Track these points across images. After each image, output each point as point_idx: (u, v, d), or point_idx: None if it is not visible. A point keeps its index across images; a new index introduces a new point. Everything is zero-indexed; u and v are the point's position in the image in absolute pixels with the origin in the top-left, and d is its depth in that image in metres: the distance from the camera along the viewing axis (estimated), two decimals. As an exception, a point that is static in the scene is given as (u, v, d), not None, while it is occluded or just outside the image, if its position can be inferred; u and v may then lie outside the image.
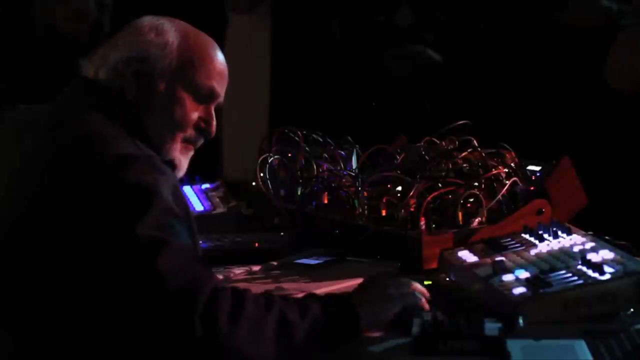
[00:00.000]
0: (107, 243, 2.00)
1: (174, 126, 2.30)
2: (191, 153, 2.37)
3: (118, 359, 2.05)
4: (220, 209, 3.23)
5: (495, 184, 2.73)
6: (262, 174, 3.08)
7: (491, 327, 2.02)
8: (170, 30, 2.30)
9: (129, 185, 2.03)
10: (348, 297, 2.14)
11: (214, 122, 2.37)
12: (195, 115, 2.32)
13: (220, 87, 2.35)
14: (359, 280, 2.41)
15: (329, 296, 2.14)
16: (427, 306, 2.16)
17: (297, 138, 3.15)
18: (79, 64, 2.31)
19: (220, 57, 2.36)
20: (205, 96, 2.33)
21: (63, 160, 2.09)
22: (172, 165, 2.30)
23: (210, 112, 2.36)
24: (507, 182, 2.71)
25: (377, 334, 2.10)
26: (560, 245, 2.41)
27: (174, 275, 1.95)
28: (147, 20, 2.32)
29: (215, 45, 2.36)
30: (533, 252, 2.40)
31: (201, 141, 2.38)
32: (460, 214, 2.64)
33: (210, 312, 1.93)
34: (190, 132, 2.33)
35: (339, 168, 3.07)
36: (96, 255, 2.01)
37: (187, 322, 1.92)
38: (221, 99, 2.38)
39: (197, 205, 3.23)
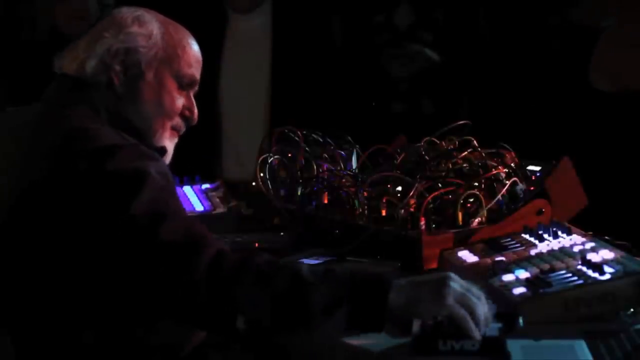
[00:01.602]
0: (107, 228, 2.03)
1: (163, 114, 2.35)
2: (176, 140, 2.42)
3: (121, 327, 2.10)
4: (220, 209, 3.22)
5: (495, 184, 2.73)
6: (262, 174, 3.08)
7: (491, 327, 2.02)
8: (152, 21, 2.34)
9: (118, 171, 2.06)
10: (386, 278, 2.00)
11: (196, 110, 2.43)
12: (181, 103, 2.39)
13: (198, 74, 2.43)
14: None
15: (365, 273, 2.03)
16: (476, 335, 1.96)
17: (297, 138, 3.15)
18: (55, 59, 2.34)
19: (196, 45, 2.42)
20: (187, 84, 2.39)
21: (51, 158, 2.11)
22: (162, 152, 2.34)
23: (192, 100, 2.43)
24: (507, 182, 2.71)
25: (376, 335, 2.10)
26: (560, 245, 2.41)
27: (177, 243, 1.98)
28: (126, 11, 2.35)
29: (190, 34, 2.42)
30: (533, 252, 2.40)
31: (184, 128, 2.43)
32: (460, 214, 2.64)
33: (216, 271, 1.95)
34: (177, 120, 2.39)
35: (339, 168, 3.07)
36: (99, 242, 2.04)
37: (194, 284, 1.95)
38: (197, 86, 2.44)
39: (197, 205, 3.23)
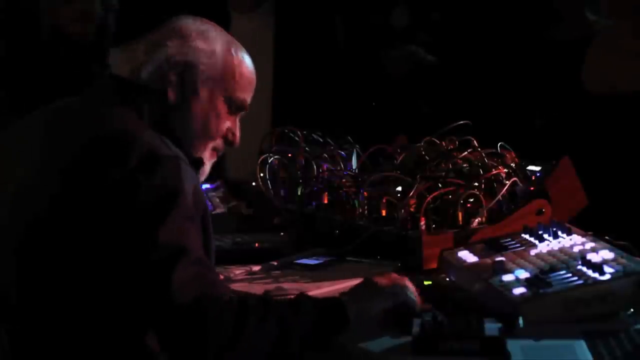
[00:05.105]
0: (128, 244, 2.02)
1: (207, 135, 2.31)
2: (215, 160, 2.38)
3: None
4: (220, 209, 3.23)
5: (495, 184, 2.73)
6: (262, 174, 3.08)
7: (491, 327, 2.02)
8: (216, 39, 2.31)
9: (153, 186, 2.04)
10: (340, 295, 2.19)
11: (239, 134, 2.39)
12: (226, 126, 2.34)
13: (250, 99, 2.38)
14: (359, 281, 2.42)
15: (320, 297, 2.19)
16: (418, 305, 2.18)
17: (297, 138, 3.16)
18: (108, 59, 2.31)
19: (252, 67, 2.37)
20: (237, 108, 2.35)
21: (87, 157, 2.08)
22: (199, 163, 2.30)
23: (237, 123, 2.38)
24: (507, 182, 2.71)
25: (377, 335, 2.10)
26: (560, 245, 2.41)
27: (186, 290, 1.98)
28: (191, 23, 2.31)
29: (249, 57, 2.37)
30: (533, 252, 2.40)
31: (223, 150, 2.40)
32: (460, 214, 2.64)
33: (219, 328, 1.98)
34: (219, 142, 2.35)
35: (339, 168, 3.07)
36: (116, 255, 2.02)
37: (197, 337, 1.97)
38: (246, 110, 2.40)
39: (197, 205, 3.23)
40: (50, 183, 2.10)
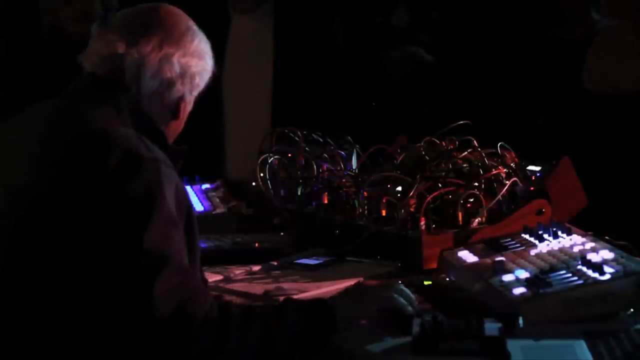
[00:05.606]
0: (111, 251, 2.01)
1: (175, 132, 2.34)
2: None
3: None
4: (220, 209, 3.22)
5: (495, 184, 2.73)
6: (262, 174, 3.08)
7: (491, 327, 2.02)
8: (207, 48, 2.32)
9: (133, 191, 2.03)
10: (325, 298, 2.19)
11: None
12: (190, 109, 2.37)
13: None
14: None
15: (307, 299, 2.21)
16: (408, 310, 2.17)
17: (297, 138, 3.16)
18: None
19: (209, 50, 2.38)
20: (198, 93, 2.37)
21: (68, 159, 2.08)
22: (185, 154, 2.30)
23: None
24: (507, 182, 2.71)
25: (377, 336, 2.10)
26: (560, 245, 2.41)
27: (168, 299, 1.98)
28: (186, 25, 2.30)
29: (208, 44, 2.38)
30: (533, 252, 2.40)
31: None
32: (460, 214, 2.64)
33: (201, 336, 1.98)
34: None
35: (339, 168, 3.07)
36: (99, 260, 2.01)
37: (180, 346, 1.97)
38: None
39: (197, 205, 3.23)
40: (34, 182, 2.10)
